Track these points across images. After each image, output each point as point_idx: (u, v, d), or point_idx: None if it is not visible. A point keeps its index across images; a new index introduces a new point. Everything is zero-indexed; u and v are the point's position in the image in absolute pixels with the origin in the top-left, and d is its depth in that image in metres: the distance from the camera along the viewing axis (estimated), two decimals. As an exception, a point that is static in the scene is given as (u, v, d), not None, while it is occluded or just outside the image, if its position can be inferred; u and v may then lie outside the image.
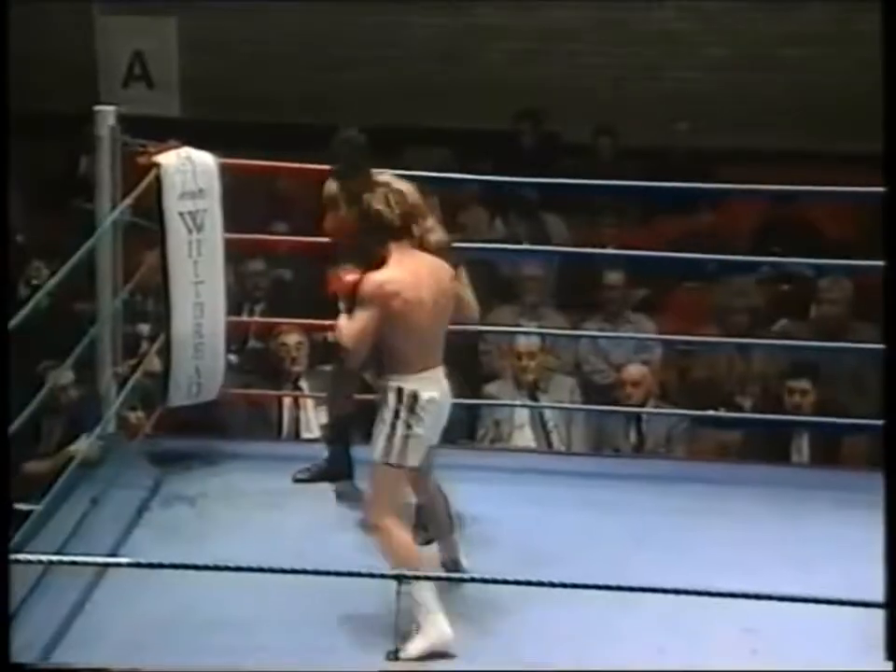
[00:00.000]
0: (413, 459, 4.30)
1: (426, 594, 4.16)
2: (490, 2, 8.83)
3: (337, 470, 5.24)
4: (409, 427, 4.26)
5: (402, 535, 4.28)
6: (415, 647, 4.18)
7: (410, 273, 4.28)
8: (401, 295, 4.23)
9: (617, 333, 7.12)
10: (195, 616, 4.31)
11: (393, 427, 4.26)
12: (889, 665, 3.33)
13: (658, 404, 6.62)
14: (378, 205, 4.33)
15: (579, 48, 8.78)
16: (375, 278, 4.25)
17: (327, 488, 5.27)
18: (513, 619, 4.34)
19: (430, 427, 4.31)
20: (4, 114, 3.64)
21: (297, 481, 5.28)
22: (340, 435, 5.27)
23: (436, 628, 4.19)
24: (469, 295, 4.83)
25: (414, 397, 4.26)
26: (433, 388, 4.30)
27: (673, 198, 7.28)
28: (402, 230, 4.33)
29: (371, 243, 4.35)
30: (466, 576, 4.45)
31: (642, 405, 6.54)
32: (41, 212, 8.03)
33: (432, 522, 4.63)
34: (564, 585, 3.77)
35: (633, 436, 6.62)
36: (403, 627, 4.13)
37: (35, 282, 6.83)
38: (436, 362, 4.35)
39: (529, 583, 3.87)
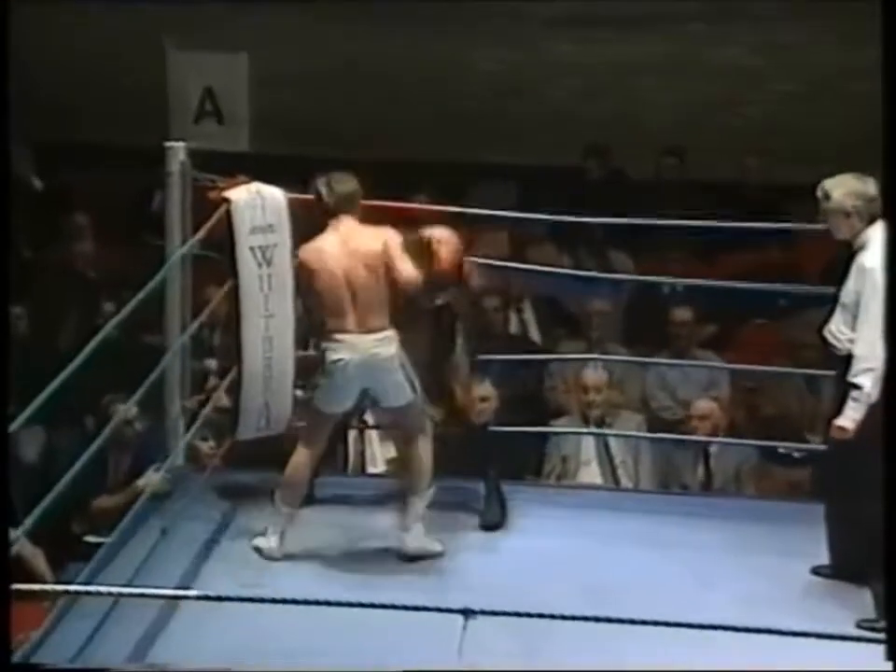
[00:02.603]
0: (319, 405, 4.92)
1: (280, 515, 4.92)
2: (557, 37, 8.84)
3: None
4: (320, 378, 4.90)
5: (295, 459, 4.95)
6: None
7: (322, 246, 4.93)
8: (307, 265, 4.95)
9: (683, 366, 7.08)
10: (265, 649, 4.30)
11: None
12: (889, 665, 3.28)
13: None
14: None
15: (646, 83, 8.78)
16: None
17: (394, 522, 5.28)
18: (576, 654, 4.30)
19: (339, 384, 4.85)
20: (4, 118, 3.65)
21: None
22: None
23: None
24: (404, 265, 4.95)
25: (323, 355, 4.88)
26: (345, 352, 4.82)
27: (742, 234, 7.24)
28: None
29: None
30: (532, 611, 4.42)
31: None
32: (112, 245, 8.12)
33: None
34: (627, 621, 3.74)
35: (701, 472, 6.57)
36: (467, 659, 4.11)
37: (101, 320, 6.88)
38: (356, 328, 4.84)
39: (597, 619, 3.83)
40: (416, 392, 4.94)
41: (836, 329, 4.77)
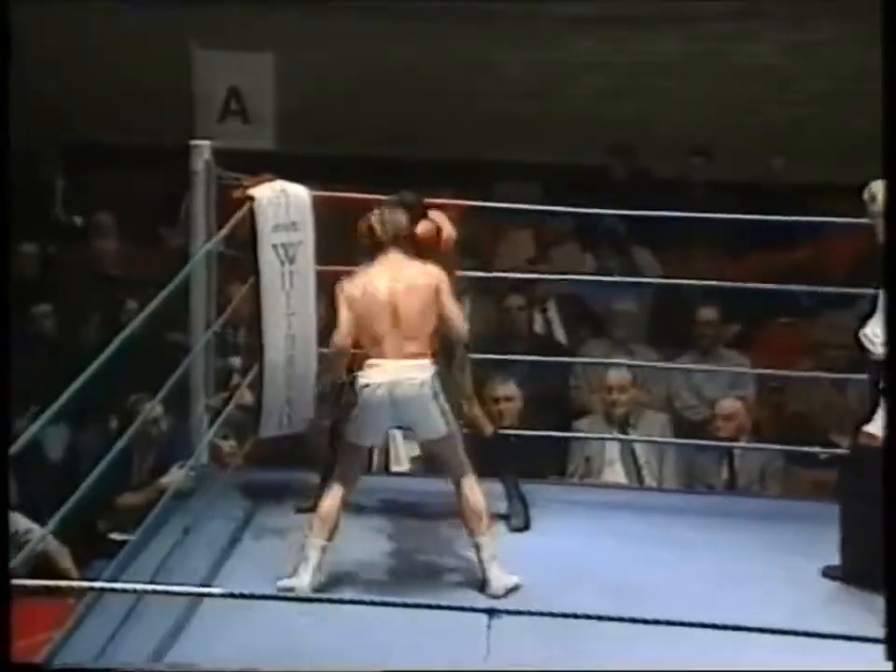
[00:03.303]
0: (353, 437, 4.79)
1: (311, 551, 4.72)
2: (582, 36, 8.83)
3: None
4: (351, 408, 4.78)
5: (328, 503, 4.78)
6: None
7: (365, 275, 4.88)
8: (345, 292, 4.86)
9: (709, 367, 7.06)
10: (287, 647, 4.30)
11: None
12: (889, 665, 3.25)
13: (751, 441, 6.54)
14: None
15: (672, 82, 8.75)
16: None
17: (418, 522, 5.27)
18: (597, 654, 4.29)
19: (370, 411, 4.73)
20: (4, 117, 3.65)
21: (299, 511, 5.24)
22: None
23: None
24: (454, 310, 4.95)
25: (353, 382, 4.78)
26: (374, 377, 4.73)
27: (768, 232, 7.21)
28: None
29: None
30: (556, 611, 4.40)
31: (734, 440, 6.47)
32: (137, 244, 8.14)
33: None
34: (652, 622, 3.72)
35: (725, 473, 6.55)
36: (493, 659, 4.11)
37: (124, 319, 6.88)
38: (390, 355, 4.76)
39: (621, 619, 3.81)
40: (451, 427, 4.77)
41: (872, 333, 4.70)
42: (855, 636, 3.47)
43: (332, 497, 4.79)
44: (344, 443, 4.85)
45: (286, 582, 4.67)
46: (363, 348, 4.85)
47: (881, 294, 4.70)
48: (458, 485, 4.79)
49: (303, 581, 4.65)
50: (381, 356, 4.78)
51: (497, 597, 4.66)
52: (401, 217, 4.97)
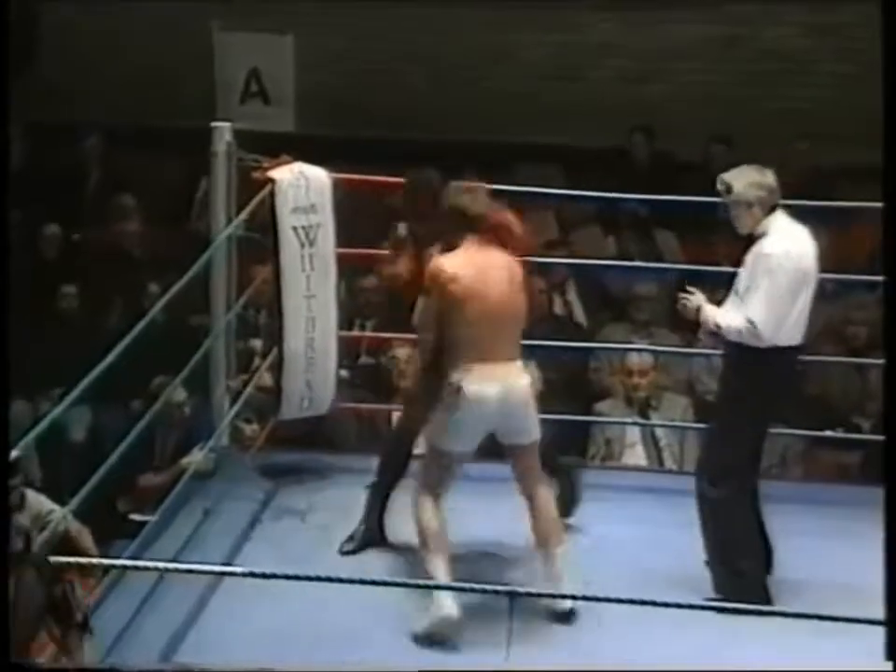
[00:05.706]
0: (450, 444, 4.42)
1: (437, 569, 4.34)
2: (604, 19, 8.80)
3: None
4: (451, 413, 4.39)
5: (426, 513, 4.44)
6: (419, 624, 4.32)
7: (470, 263, 4.41)
8: (457, 283, 4.39)
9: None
10: (307, 628, 4.33)
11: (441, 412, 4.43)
12: (889, 665, 3.26)
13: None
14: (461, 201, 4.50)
15: (694, 65, 8.72)
16: (435, 263, 4.45)
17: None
18: (618, 638, 4.29)
19: (477, 418, 4.38)
20: (4, 116, 3.67)
21: (344, 553, 4.92)
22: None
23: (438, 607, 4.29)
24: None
25: (458, 388, 4.36)
26: (484, 383, 4.36)
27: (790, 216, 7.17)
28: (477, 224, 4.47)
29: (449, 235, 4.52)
30: (577, 594, 4.40)
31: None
32: (158, 227, 8.16)
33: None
34: (673, 605, 3.72)
35: (746, 456, 6.52)
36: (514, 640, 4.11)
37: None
38: (496, 356, 4.39)
39: (643, 603, 3.81)
40: (539, 433, 4.52)
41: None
42: (862, 619, 3.45)
43: (427, 515, 4.45)
44: (436, 450, 4.47)
45: (439, 614, 4.31)
46: (456, 344, 4.40)
47: (737, 280, 4.68)
48: (535, 494, 4.53)
49: (449, 605, 4.30)
50: (486, 358, 4.37)
51: (563, 614, 4.45)
52: (487, 198, 4.53)
